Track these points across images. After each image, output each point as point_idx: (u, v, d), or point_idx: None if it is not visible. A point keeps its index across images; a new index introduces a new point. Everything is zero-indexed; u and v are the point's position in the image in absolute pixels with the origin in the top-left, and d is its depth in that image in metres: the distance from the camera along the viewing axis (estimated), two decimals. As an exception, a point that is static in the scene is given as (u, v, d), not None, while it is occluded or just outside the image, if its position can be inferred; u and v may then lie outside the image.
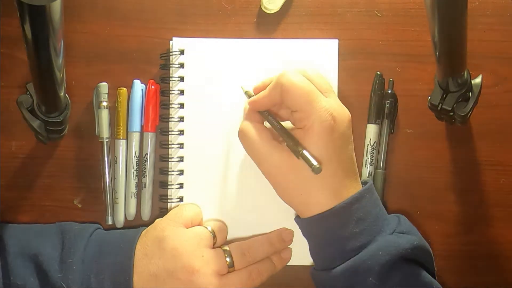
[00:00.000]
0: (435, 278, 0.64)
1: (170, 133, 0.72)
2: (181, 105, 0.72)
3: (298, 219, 0.66)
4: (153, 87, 0.72)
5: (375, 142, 0.72)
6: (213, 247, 0.67)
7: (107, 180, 0.72)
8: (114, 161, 0.72)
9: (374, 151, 0.72)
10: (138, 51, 0.73)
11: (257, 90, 0.67)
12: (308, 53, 0.72)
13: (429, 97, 0.67)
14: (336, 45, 0.72)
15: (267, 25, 0.74)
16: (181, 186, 0.72)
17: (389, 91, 0.72)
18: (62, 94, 0.63)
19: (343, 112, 0.63)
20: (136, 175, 0.72)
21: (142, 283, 0.64)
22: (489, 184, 0.73)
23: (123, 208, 0.72)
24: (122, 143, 0.72)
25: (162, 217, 0.69)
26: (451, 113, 0.67)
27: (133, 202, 0.72)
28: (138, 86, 0.72)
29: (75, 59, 0.73)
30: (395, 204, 0.73)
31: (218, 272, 0.65)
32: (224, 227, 0.70)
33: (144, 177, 0.72)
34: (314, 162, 0.60)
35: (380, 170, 0.72)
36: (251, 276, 0.67)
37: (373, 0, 0.73)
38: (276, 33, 0.74)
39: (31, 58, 0.55)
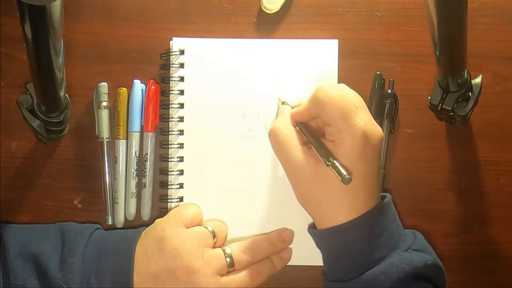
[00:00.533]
0: None
1: (170, 133, 0.72)
2: (181, 105, 0.72)
3: (312, 230, 0.66)
4: (153, 87, 0.72)
5: (375, 142, 0.72)
6: (213, 247, 0.67)
7: (107, 180, 0.72)
8: (114, 161, 0.72)
9: (374, 151, 0.72)
10: (138, 51, 0.73)
11: (294, 106, 0.68)
12: (308, 53, 0.72)
13: (429, 97, 0.67)
14: (336, 45, 0.72)
15: (267, 25, 0.74)
16: (181, 186, 0.72)
17: (389, 91, 0.72)
18: (62, 94, 0.63)
19: (375, 131, 0.63)
20: (136, 175, 0.72)
21: (142, 283, 0.64)
22: (489, 184, 0.73)
23: (123, 208, 0.72)
24: (122, 143, 0.72)
25: (162, 217, 0.69)
26: (451, 113, 0.67)
27: (133, 202, 0.72)
28: (138, 86, 0.72)
29: (75, 59, 0.73)
30: (395, 204, 0.72)
31: (218, 272, 0.65)
32: (224, 227, 0.70)
33: (144, 177, 0.72)
34: (345, 172, 0.60)
35: (380, 170, 0.72)
36: (251, 276, 0.67)
37: (373, 0, 0.73)
38: (276, 33, 0.74)
39: (31, 58, 0.55)
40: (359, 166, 0.62)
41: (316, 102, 0.63)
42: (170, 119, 0.72)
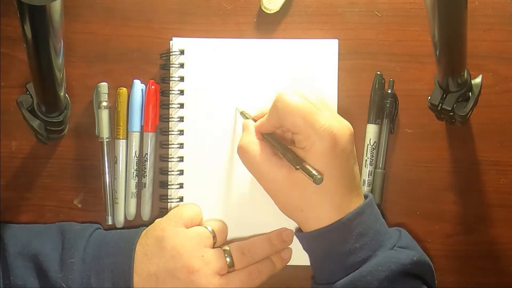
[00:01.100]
0: None
1: (170, 133, 0.72)
2: (181, 105, 0.72)
3: (298, 233, 0.66)
4: (153, 87, 0.72)
5: (375, 142, 0.72)
6: (213, 247, 0.67)
7: (107, 180, 0.72)
8: (114, 161, 0.72)
9: (374, 151, 0.72)
10: (138, 51, 0.73)
11: (257, 117, 0.67)
12: (308, 53, 0.72)
13: (429, 97, 0.67)
14: (336, 45, 0.72)
15: (267, 25, 0.74)
16: (181, 186, 0.72)
17: (389, 91, 0.72)
18: (62, 94, 0.63)
19: (343, 128, 0.62)
20: (136, 175, 0.72)
21: (142, 283, 0.64)
22: (489, 184, 0.73)
23: (123, 208, 0.72)
24: (122, 143, 0.72)
25: (162, 217, 0.69)
26: (451, 113, 0.67)
27: (133, 202, 0.72)
28: (138, 86, 0.72)
29: (75, 59, 0.73)
30: (395, 204, 0.73)
31: (218, 272, 0.65)
32: (224, 227, 0.70)
33: (144, 177, 0.72)
34: (315, 172, 0.59)
35: (380, 170, 0.72)
36: (251, 276, 0.67)
37: (373, 0, 0.73)
38: (276, 33, 0.74)
39: (31, 58, 0.55)
40: (332, 167, 0.61)
41: (277, 113, 0.63)
42: (170, 119, 0.72)
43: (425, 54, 0.72)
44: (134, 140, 0.72)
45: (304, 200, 0.62)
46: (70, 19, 0.73)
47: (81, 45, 0.73)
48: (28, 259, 0.65)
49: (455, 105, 0.66)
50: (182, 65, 0.72)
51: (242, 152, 0.65)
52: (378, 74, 0.72)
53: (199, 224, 0.70)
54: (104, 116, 0.72)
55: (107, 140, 0.72)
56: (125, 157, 0.72)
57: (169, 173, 0.71)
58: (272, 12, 0.73)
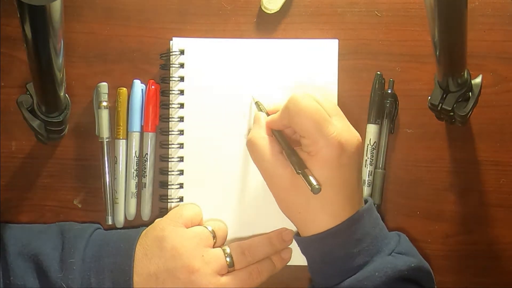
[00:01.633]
0: None
1: (170, 133, 0.72)
2: (181, 105, 0.72)
3: (297, 237, 0.66)
4: (153, 87, 0.72)
5: (375, 142, 0.72)
6: (213, 247, 0.67)
7: (107, 180, 0.72)
8: (114, 161, 0.72)
9: (374, 151, 0.72)
10: (138, 51, 0.73)
11: (271, 112, 0.68)
12: (308, 53, 0.72)
13: (429, 97, 0.67)
14: (336, 45, 0.72)
15: (267, 25, 0.74)
16: (181, 186, 0.72)
17: (389, 91, 0.72)
18: (62, 94, 0.63)
19: (351, 138, 0.62)
20: (136, 175, 0.72)
21: (142, 283, 0.64)
22: (489, 184, 0.73)
23: (123, 208, 0.72)
24: (122, 143, 0.72)
25: (162, 217, 0.69)
26: (451, 113, 0.67)
27: (133, 202, 0.72)
28: (138, 86, 0.72)
29: (75, 59, 0.73)
30: (395, 204, 0.73)
31: (218, 272, 0.65)
32: (224, 227, 0.70)
33: (144, 177, 0.72)
34: (314, 182, 0.59)
35: (380, 170, 0.72)
36: (251, 276, 0.67)
37: (373, 0, 0.73)
38: (276, 33, 0.74)
39: (31, 58, 0.55)
40: (336, 176, 0.61)
41: (288, 114, 0.63)
42: (170, 119, 0.72)
43: (425, 54, 0.72)
44: (134, 140, 0.72)
45: (303, 203, 0.62)
46: (70, 19, 0.73)
47: (81, 45, 0.73)
48: (28, 259, 0.65)
49: (455, 105, 0.66)
50: (182, 65, 0.72)
51: (251, 145, 0.65)
52: (378, 74, 0.72)
53: (199, 224, 0.70)
54: (104, 116, 0.72)
55: (107, 140, 0.72)
56: (125, 157, 0.72)
57: (169, 173, 0.71)
58: (272, 12, 0.73)
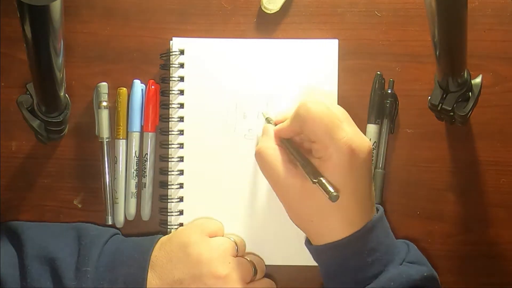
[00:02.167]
0: None
1: (170, 133, 0.72)
2: (181, 105, 0.72)
3: (309, 245, 0.66)
4: (153, 87, 0.72)
5: (375, 142, 0.72)
6: None
7: (107, 180, 0.72)
8: (114, 161, 0.72)
9: (374, 151, 0.72)
10: (138, 51, 0.73)
11: (278, 121, 0.68)
12: (308, 53, 0.72)
13: (429, 97, 0.67)
14: (336, 45, 0.72)
15: (267, 25, 0.74)
16: (181, 186, 0.72)
17: (389, 91, 0.72)
18: (62, 94, 0.63)
19: (362, 143, 0.62)
20: (136, 175, 0.72)
21: None
22: (489, 184, 0.73)
23: (123, 208, 0.72)
24: (122, 143, 0.72)
25: (162, 217, 0.69)
26: (451, 113, 0.67)
27: (133, 202, 0.72)
28: (138, 86, 0.72)
29: (75, 59, 0.73)
30: (395, 204, 0.73)
31: (245, 279, 0.65)
32: (243, 241, 0.70)
33: (144, 177, 0.72)
34: (332, 189, 0.58)
35: (380, 170, 0.72)
36: (273, 284, 0.69)
37: (373, 0, 0.73)
38: (276, 33, 0.74)
39: (31, 58, 0.55)
40: (347, 181, 0.61)
41: (299, 120, 0.63)
42: (170, 119, 0.72)
43: (425, 54, 0.72)
44: (134, 140, 0.72)
45: (316, 211, 0.62)
46: (70, 19, 0.73)
47: (81, 45, 0.73)
48: (44, 262, 0.64)
49: (455, 105, 0.66)
50: (182, 65, 0.72)
51: (260, 156, 0.65)
52: (378, 74, 0.72)
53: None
54: (104, 116, 0.72)
55: (107, 140, 0.72)
56: (125, 157, 0.72)
57: (169, 173, 0.71)
58: (272, 12, 0.73)
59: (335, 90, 0.72)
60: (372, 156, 0.71)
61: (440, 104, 0.66)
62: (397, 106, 0.72)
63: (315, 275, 0.71)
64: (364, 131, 0.72)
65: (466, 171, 0.73)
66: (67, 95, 0.67)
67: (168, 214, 0.71)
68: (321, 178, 0.60)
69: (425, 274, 0.62)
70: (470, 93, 0.66)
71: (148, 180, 0.72)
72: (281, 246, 0.71)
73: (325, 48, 0.72)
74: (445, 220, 0.73)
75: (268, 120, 0.69)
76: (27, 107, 0.67)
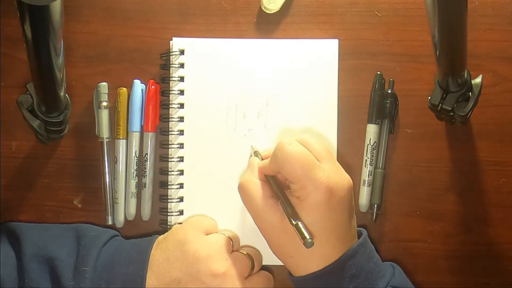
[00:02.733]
0: None
1: (170, 133, 0.72)
2: (181, 105, 0.72)
3: (290, 276, 0.65)
4: (153, 87, 0.72)
5: (375, 142, 0.72)
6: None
7: (107, 180, 0.72)
8: (114, 161, 0.72)
9: (374, 151, 0.72)
10: (138, 51, 0.73)
11: (265, 157, 0.67)
12: (308, 53, 0.72)
13: (429, 97, 0.67)
14: (336, 45, 0.72)
15: (267, 25, 0.74)
16: (181, 186, 0.72)
17: (389, 91, 0.72)
18: (62, 94, 0.63)
19: (341, 182, 0.62)
20: (136, 175, 0.72)
21: None
22: (489, 184, 0.73)
23: (123, 208, 0.72)
24: (122, 143, 0.72)
25: (162, 217, 0.69)
26: (451, 113, 0.67)
27: (133, 202, 0.72)
28: (138, 86, 0.72)
29: (75, 59, 0.73)
30: (395, 204, 0.73)
31: (243, 274, 0.65)
32: (237, 236, 0.70)
33: (144, 177, 0.72)
34: (307, 235, 0.59)
35: (380, 170, 0.72)
36: (270, 277, 0.68)
37: (373, 0, 0.73)
38: (276, 33, 0.74)
39: (31, 58, 0.55)
40: (326, 220, 0.61)
41: (276, 161, 0.63)
42: (170, 119, 0.72)
43: (425, 54, 0.72)
44: (134, 140, 0.72)
45: (294, 247, 0.62)
46: (70, 19, 0.73)
47: (81, 45, 0.73)
48: (43, 262, 0.64)
49: (455, 105, 0.66)
50: (182, 65, 0.72)
51: (242, 189, 0.65)
52: (378, 74, 0.72)
53: None
54: (104, 116, 0.72)
55: (107, 140, 0.72)
56: (125, 157, 0.72)
57: (169, 173, 0.71)
58: (272, 12, 0.73)
59: (335, 90, 0.72)
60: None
61: (440, 104, 0.66)
62: (397, 106, 0.72)
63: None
64: (364, 131, 0.72)
65: (466, 171, 0.73)
66: (67, 95, 0.67)
67: (168, 214, 0.71)
68: (299, 222, 0.60)
69: None
70: (470, 93, 0.66)
71: (148, 180, 0.72)
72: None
73: (325, 48, 0.72)
74: (445, 220, 0.73)
75: (255, 154, 0.69)
76: (27, 107, 0.67)
